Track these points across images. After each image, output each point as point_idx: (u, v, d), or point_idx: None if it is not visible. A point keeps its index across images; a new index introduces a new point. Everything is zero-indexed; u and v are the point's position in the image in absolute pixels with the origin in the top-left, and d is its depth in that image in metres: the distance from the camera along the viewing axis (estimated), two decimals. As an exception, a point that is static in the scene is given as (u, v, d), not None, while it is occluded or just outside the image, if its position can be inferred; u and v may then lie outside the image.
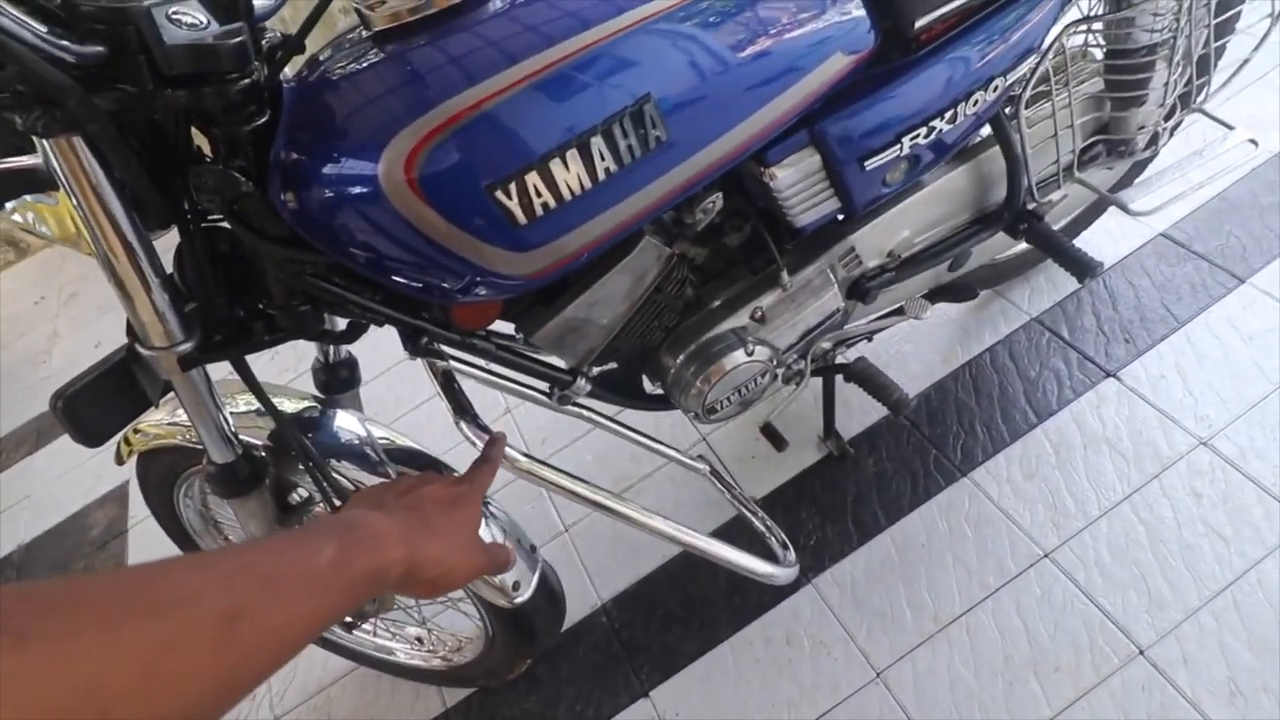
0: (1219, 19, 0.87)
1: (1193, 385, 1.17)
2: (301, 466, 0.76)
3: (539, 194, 0.52)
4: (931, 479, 1.18)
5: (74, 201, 0.49)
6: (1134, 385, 1.19)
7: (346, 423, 0.85)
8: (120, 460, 0.91)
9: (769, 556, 0.87)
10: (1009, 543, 1.09)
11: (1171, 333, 1.23)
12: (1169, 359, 1.21)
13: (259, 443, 0.78)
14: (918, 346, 1.34)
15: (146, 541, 1.63)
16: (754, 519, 0.90)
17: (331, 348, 0.85)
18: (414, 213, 0.51)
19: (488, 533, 0.84)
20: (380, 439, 0.85)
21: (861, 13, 0.62)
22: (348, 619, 1.05)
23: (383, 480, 0.65)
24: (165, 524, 1.01)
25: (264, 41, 0.53)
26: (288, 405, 0.84)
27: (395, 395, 1.64)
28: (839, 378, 1.04)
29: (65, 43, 0.43)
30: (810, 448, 1.26)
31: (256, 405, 0.75)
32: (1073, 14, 0.82)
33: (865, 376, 0.92)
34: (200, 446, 0.80)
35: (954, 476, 1.18)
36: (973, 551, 1.09)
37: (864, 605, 1.08)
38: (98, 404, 0.61)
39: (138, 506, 1.72)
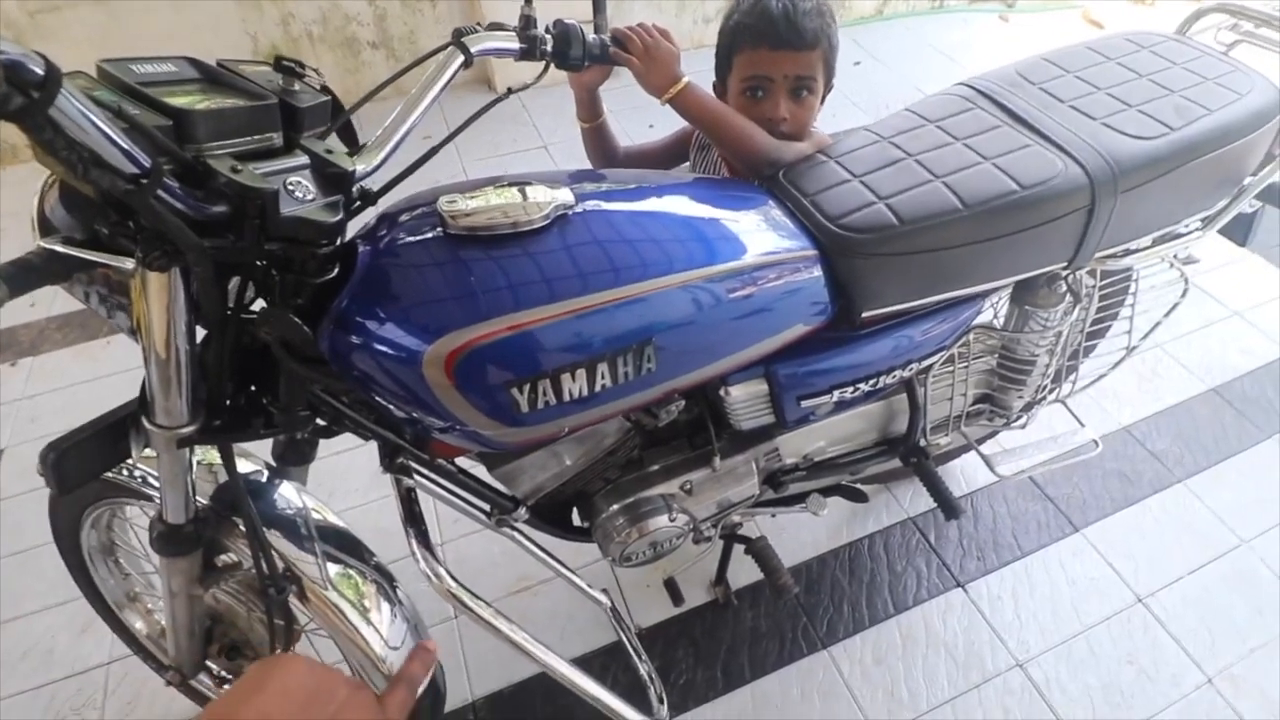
0: (1086, 344, 1.11)
1: (1022, 611, 1.37)
2: (244, 531, 0.80)
3: (545, 394, 0.63)
4: (797, 644, 1.31)
5: (148, 306, 0.56)
6: (976, 599, 1.39)
7: (287, 493, 0.89)
8: (41, 472, 0.91)
9: (643, 705, 0.96)
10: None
11: (1014, 560, 1.45)
12: (1008, 583, 1.41)
13: (202, 502, 0.82)
14: (811, 518, 1.49)
15: (5, 521, 1.53)
16: (640, 665, 0.99)
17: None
18: (440, 385, 0.61)
19: (395, 624, 0.89)
20: (314, 515, 0.90)
21: (826, 298, 0.79)
22: (223, 675, 1.05)
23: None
24: (62, 542, 0.99)
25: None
26: (240, 465, 0.88)
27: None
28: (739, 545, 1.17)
29: (200, 204, 0.51)
30: (700, 590, 1.38)
31: (204, 464, 0.80)
32: (983, 317, 1.03)
33: (761, 555, 1.06)
34: (143, 492, 0.84)
35: (816, 646, 1.31)
36: (817, 721, 1.22)
37: (713, 754, 1.18)
38: (83, 456, 0.65)
39: (7, 480, 1.62)
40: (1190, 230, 1.05)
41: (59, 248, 0.56)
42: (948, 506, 1.08)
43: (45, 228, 0.58)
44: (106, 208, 0.51)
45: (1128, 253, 0.99)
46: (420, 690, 0.52)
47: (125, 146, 0.45)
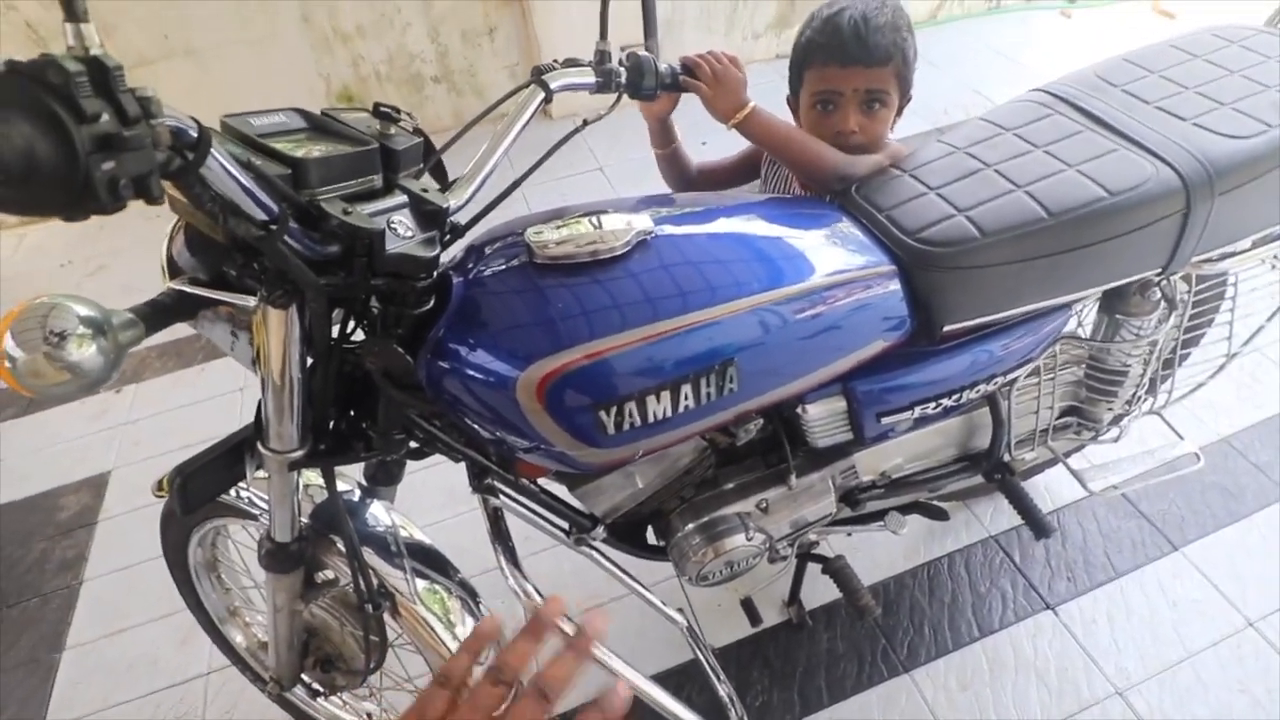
0: (1181, 352, 1.06)
1: (1119, 635, 1.30)
2: (340, 549, 0.85)
3: (631, 416, 0.65)
4: (876, 668, 1.28)
5: (268, 340, 0.60)
6: (1068, 622, 1.32)
7: (377, 511, 0.94)
8: (158, 493, 0.98)
9: (724, 724, 0.95)
10: (934, 748, 1.18)
11: (1108, 581, 1.37)
12: (1102, 605, 1.34)
13: (303, 521, 0.87)
14: (887, 537, 1.45)
15: (113, 538, 1.64)
16: (720, 686, 0.98)
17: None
18: (531, 409, 0.63)
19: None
20: (402, 532, 0.94)
21: (905, 313, 0.78)
22: (316, 687, 1.09)
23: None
24: (171, 557, 1.06)
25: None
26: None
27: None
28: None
29: (316, 245, 0.55)
30: (774, 610, 1.36)
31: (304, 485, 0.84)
32: (1069, 326, 0.99)
33: (840, 575, 1.04)
34: (249, 511, 0.89)
35: (897, 670, 1.27)
36: (900, 749, 1.18)
37: (792, 778, 1.15)
38: (205, 479, 0.70)
39: (114, 499, 1.74)
40: (1294, 230, 0.99)
41: (187, 288, 0.61)
42: (1037, 525, 1.03)
43: (173, 270, 0.64)
44: (234, 251, 0.56)
45: (1225, 256, 0.94)
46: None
47: (258, 196, 0.49)
